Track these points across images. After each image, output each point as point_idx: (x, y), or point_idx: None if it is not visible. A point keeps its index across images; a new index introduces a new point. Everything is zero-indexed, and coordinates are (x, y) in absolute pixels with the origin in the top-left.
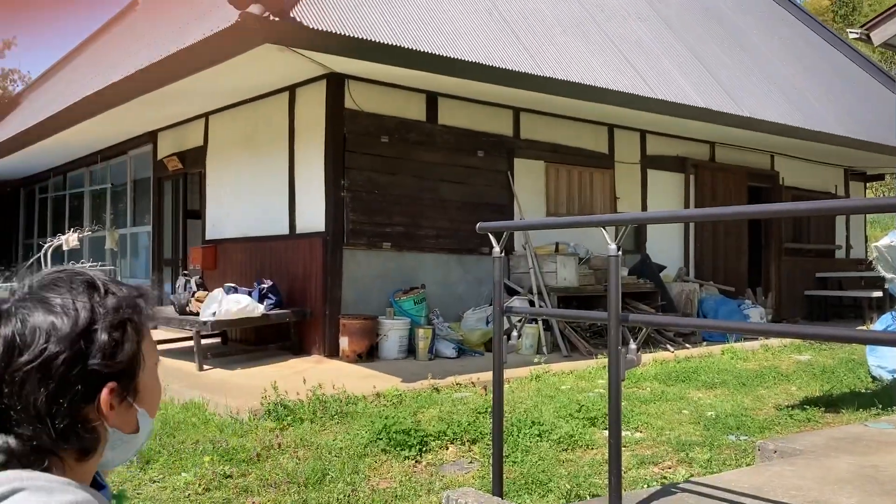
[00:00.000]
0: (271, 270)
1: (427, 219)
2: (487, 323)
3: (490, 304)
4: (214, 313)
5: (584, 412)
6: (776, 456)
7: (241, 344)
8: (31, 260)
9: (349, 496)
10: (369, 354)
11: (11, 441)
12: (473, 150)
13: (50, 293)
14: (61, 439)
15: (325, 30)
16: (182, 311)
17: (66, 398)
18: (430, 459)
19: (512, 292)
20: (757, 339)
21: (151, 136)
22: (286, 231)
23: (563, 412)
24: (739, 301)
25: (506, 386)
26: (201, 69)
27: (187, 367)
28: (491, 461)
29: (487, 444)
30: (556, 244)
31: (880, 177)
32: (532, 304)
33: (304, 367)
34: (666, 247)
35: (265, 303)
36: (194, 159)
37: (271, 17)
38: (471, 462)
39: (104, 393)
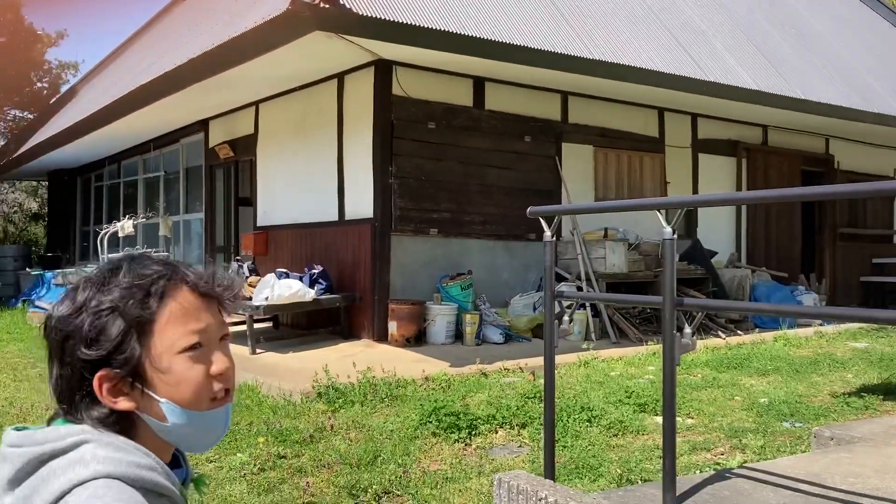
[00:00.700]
0: (321, 256)
1: (474, 205)
2: (535, 309)
3: (537, 291)
4: (267, 298)
5: (634, 398)
6: (833, 443)
7: (292, 328)
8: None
9: (401, 477)
10: (417, 339)
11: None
12: (521, 136)
13: (83, 280)
14: (85, 413)
15: (373, 16)
16: None
17: (70, 378)
18: (480, 443)
19: (560, 278)
20: (811, 325)
21: (203, 125)
22: (335, 217)
23: (612, 398)
24: (793, 287)
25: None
26: (253, 57)
27: (240, 351)
28: (542, 444)
29: (537, 429)
30: (605, 230)
31: None
32: (580, 290)
33: (353, 350)
34: (717, 232)
35: (316, 288)
36: (245, 147)
37: (321, 4)
38: (520, 446)
39: (95, 378)
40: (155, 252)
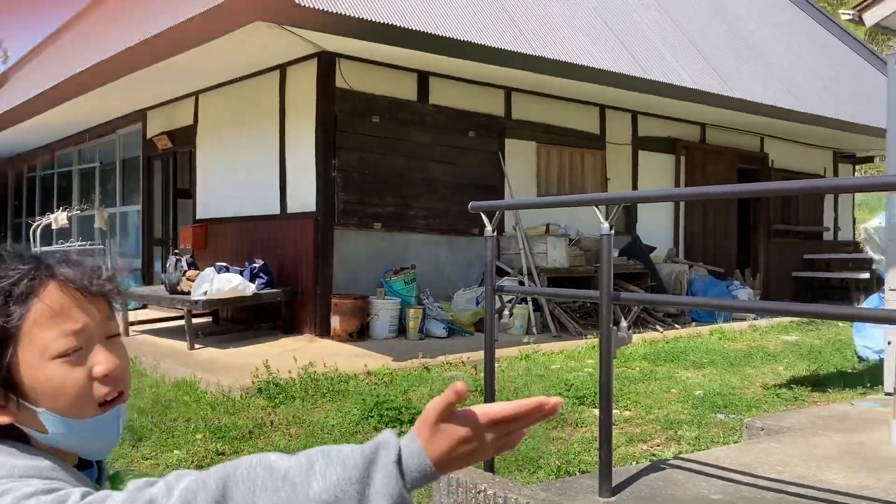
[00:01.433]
0: (262, 250)
1: (418, 199)
2: (477, 303)
3: (480, 285)
4: (206, 292)
5: (574, 391)
6: (763, 434)
7: (232, 323)
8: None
9: None
10: (360, 334)
11: None
12: (465, 131)
13: None
14: None
15: (315, 7)
16: (173, 290)
17: None
18: None
19: (502, 273)
20: (745, 319)
21: (141, 115)
22: (277, 211)
23: (552, 391)
24: (728, 282)
25: (496, 365)
26: (192, 46)
27: (178, 346)
28: None
29: None
30: (547, 225)
31: (869, 159)
32: (522, 284)
33: (295, 346)
34: (656, 228)
35: (256, 282)
36: (184, 138)
37: None
38: None
39: None
40: (90, 245)
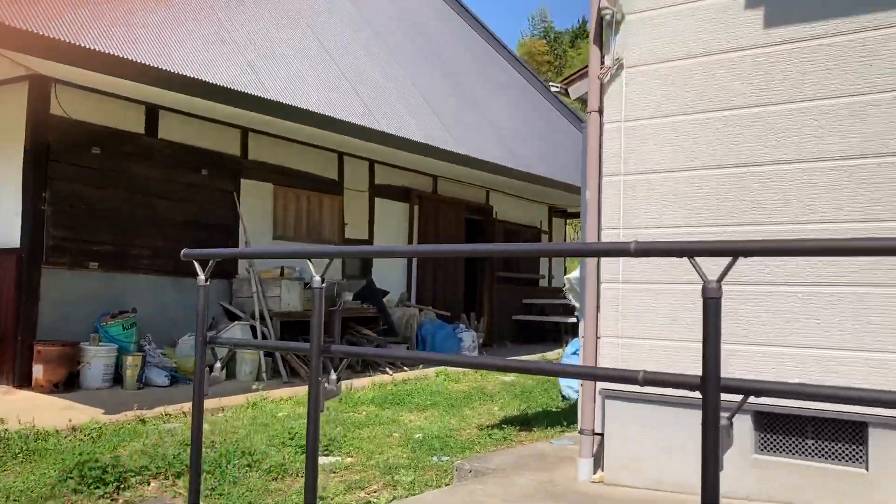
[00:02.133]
0: None
1: (142, 237)
2: None
3: (209, 330)
4: None
5: (298, 440)
6: (471, 475)
7: None
8: None
9: None
10: (69, 384)
11: None
12: (197, 168)
13: None
14: None
15: (23, 28)
16: None
17: None
18: (129, 497)
19: (233, 317)
20: None
21: None
22: None
23: (276, 440)
24: (455, 325)
25: (220, 414)
26: None
27: None
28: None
29: None
30: (282, 268)
31: (577, 214)
32: (254, 329)
33: None
34: (390, 273)
35: None
36: None
37: None
38: (174, 497)
39: None
40: None
